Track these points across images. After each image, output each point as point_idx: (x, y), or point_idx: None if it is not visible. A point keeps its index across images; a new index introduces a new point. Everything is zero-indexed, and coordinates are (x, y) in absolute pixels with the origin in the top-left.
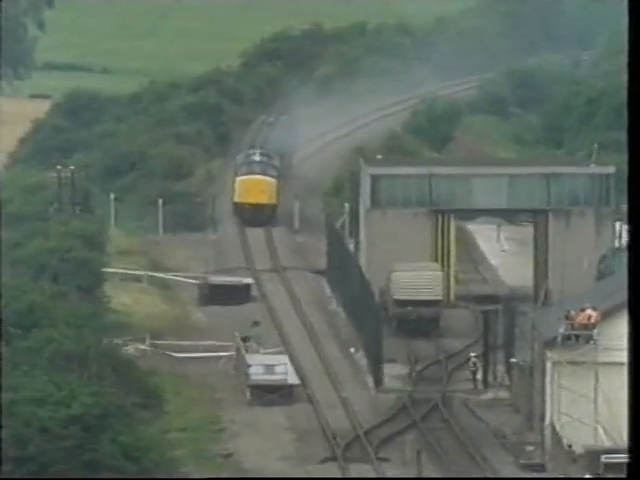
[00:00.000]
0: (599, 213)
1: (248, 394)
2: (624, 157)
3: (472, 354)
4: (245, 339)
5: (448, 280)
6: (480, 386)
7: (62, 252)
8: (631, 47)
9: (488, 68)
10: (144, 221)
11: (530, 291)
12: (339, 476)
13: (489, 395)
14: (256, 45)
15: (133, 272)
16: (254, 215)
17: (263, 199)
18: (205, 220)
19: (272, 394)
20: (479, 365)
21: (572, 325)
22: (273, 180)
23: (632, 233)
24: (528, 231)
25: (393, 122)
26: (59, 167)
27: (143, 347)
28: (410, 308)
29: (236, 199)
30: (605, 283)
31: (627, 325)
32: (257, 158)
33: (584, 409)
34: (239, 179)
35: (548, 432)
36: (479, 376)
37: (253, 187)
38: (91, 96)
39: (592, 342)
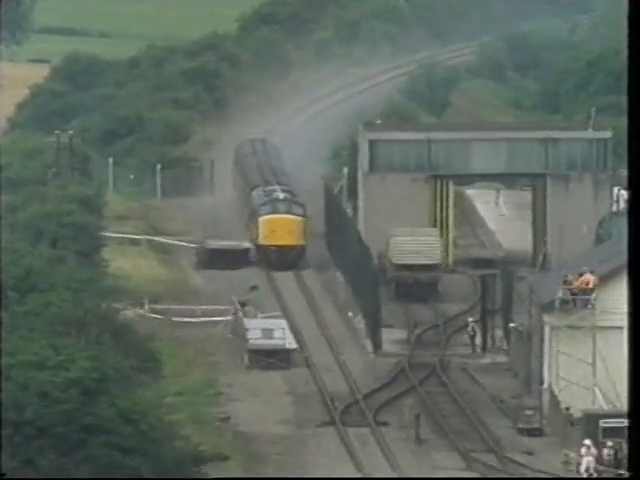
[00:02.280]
0: (597, 178)
1: (246, 358)
2: (622, 121)
3: (470, 319)
4: (243, 303)
5: (446, 245)
6: (478, 350)
7: (60, 216)
8: (631, 12)
9: (486, 32)
10: (142, 185)
11: (528, 255)
12: (338, 441)
13: (487, 359)
14: (254, 9)
15: (131, 236)
16: (281, 258)
17: (290, 240)
18: (203, 185)
19: (270, 358)
20: (477, 330)
21: (570, 289)
22: (300, 219)
23: (632, 198)
24: (526, 196)
25: (392, 87)
26: (57, 132)
27: (142, 311)
28: (408, 273)
29: (260, 241)
30: (603, 247)
31: (627, 289)
32: (280, 196)
33: (582, 373)
34: (262, 219)
35: (546, 396)
36: (477, 341)
37: (279, 228)
38: (89, 60)
39: (590, 306)
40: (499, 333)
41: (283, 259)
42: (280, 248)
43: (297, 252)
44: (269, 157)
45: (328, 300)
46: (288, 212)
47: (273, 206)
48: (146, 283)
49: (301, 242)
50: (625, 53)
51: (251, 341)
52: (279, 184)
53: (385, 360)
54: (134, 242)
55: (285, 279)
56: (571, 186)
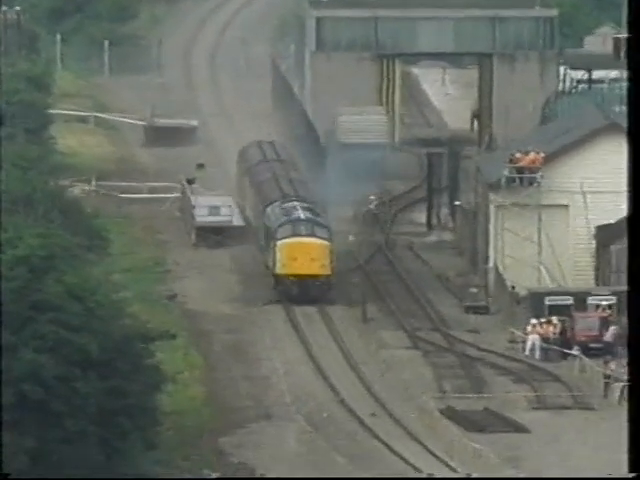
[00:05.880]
0: (543, 57)
1: (193, 236)
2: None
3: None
4: (190, 181)
5: (393, 123)
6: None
7: (9, 94)
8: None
9: None
10: (90, 63)
11: (474, 134)
12: (284, 319)
13: (433, 238)
14: None
15: (79, 114)
16: (303, 290)
17: (315, 269)
18: (151, 63)
19: (217, 235)
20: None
21: (516, 168)
22: (326, 243)
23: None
24: (473, 75)
25: None
26: (4, 8)
27: (89, 188)
28: (355, 151)
29: (278, 270)
30: (549, 127)
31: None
32: (301, 215)
33: (528, 251)
34: (281, 244)
35: (492, 274)
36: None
37: (300, 254)
38: None
39: (536, 184)
40: (445, 211)
41: (306, 291)
42: (302, 279)
43: (323, 284)
44: (285, 165)
45: None
46: (312, 235)
47: (294, 228)
48: (94, 160)
49: (327, 272)
50: None
51: (198, 218)
52: (299, 200)
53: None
54: (82, 120)
55: (231, 154)
56: (517, 65)
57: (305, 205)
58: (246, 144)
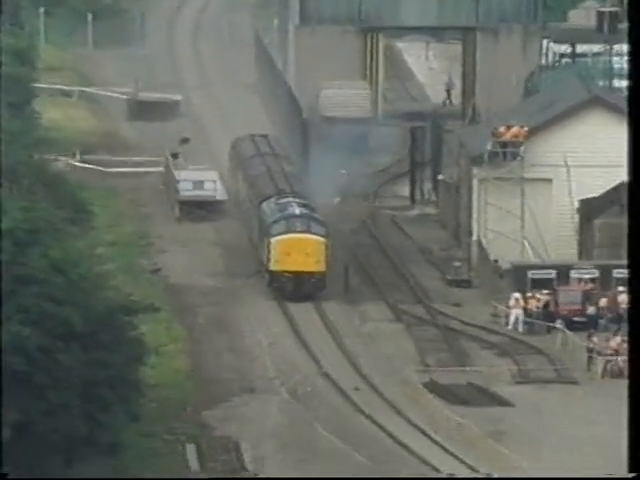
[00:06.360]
0: (527, 31)
1: (177, 210)
2: None
3: None
4: (174, 155)
5: (376, 98)
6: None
7: None
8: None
9: None
10: (74, 36)
11: (458, 108)
12: (268, 292)
13: (416, 211)
14: None
15: (63, 87)
16: (297, 287)
17: (309, 266)
18: (135, 35)
19: (201, 210)
20: None
21: (499, 142)
22: (321, 239)
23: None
24: (456, 49)
25: None
26: None
27: (73, 162)
28: (338, 125)
29: (272, 267)
30: (532, 100)
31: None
32: (296, 211)
33: (511, 225)
34: (275, 240)
35: (475, 248)
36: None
37: (295, 251)
38: None
39: (519, 158)
40: (428, 185)
41: (300, 288)
42: (296, 275)
43: (317, 280)
44: (279, 160)
45: None
46: (307, 231)
47: (288, 224)
48: (78, 134)
49: (321, 268)
50: None
51: (182, 192)
52: (295, 196)
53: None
54: (66, 93)
55: (215, 129)
56: (501, 39)
57: (300, 201)
58: (238, 137)
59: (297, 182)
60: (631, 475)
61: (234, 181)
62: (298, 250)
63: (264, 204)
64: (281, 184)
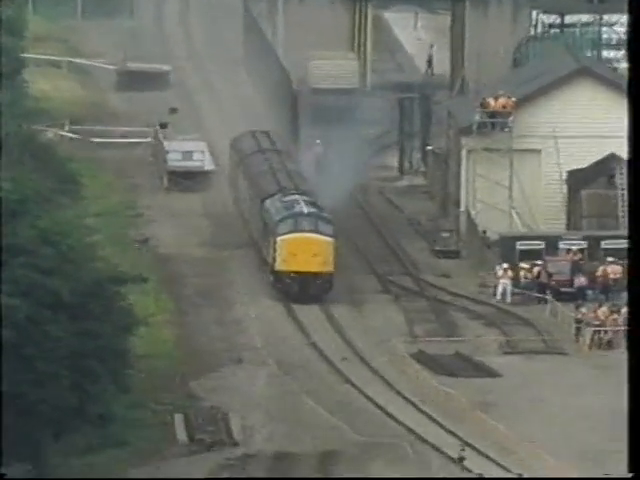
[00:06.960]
0: (516, 1)
1: (165, 180)
2: None
3: None
4: (163, 125)
5: (364, 68)
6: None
7: None
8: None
9: None
10: (62, 7)
11: (446, 79)
12: (256, 263)
13: (404, 182)
14: None
15: (52, 58)
16: (303, 288)
17: (316, 266)
18: (124, 6)
19: (189, 180)
20: None
21: (487, 112)
22: (328, 239)
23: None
24: (445, 20)
25: None
26: None
27: (62, 133)
28: (326, 96)
29: (277, 267)
30: (520, 71)
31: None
32: (304, 209)
33: (499, 196)
34: (281, 240)
35: (463, 219)
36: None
37: (302, 250)
38: None
39: (507, 129)
40: (417, 156)
41: (306, 289)
42: (303, 276)
43: (324, 281)
44: (282, 156)
45: (246, 123)
46: (314, 231)
47: (295, 223)
48: (66, 105)
49: (329, 268)
50: None
51: (170, 163)
52: (300, 193)
53: None
54: (54, 64)
55: (204, 100)
56: (490, 9)
57: (307, 199)
58: (239, 134)
59: (301, 179)
60: (631, 475)
61: (234, 178)
62: (305, 250)
63: (268, 201)
64: (284, 181)
